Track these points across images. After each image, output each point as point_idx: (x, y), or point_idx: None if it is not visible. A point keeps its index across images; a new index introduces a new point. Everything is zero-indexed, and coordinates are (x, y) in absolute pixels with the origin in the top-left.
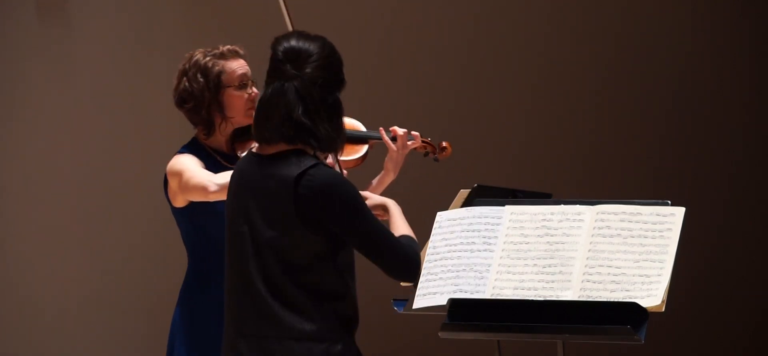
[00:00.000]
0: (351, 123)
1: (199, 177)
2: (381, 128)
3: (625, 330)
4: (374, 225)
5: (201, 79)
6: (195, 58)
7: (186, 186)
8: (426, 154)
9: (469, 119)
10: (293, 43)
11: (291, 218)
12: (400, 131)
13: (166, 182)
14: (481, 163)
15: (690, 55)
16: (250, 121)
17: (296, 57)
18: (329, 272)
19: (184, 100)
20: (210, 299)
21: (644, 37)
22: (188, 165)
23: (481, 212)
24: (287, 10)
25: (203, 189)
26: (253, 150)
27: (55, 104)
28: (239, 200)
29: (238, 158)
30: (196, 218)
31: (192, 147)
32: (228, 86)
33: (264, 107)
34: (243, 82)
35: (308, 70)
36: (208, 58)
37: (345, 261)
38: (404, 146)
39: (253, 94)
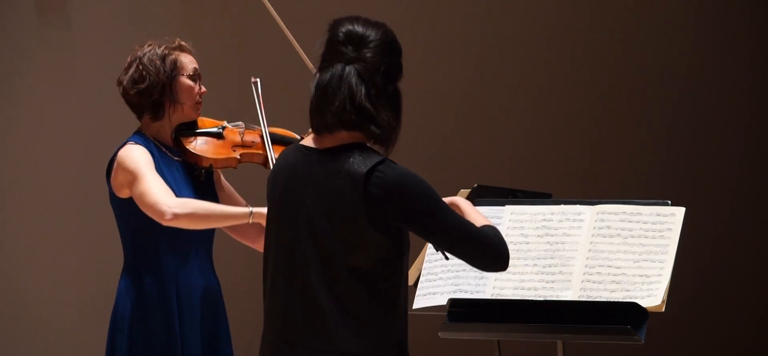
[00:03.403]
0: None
1: (157, 196)
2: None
3: (625, 330)
4: (455, 219)
5: (157, 62)
6: (149, 46)
7: (139, 196)
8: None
9: (470, 119)
10: (355, 27)
11: (360, 218)
12: None
13: (110, 167)
14: (481, 163)
15: (691, 55)
16: (197, 115)
17: (358, 40)
18: (391, 279)
19: (135, 81)
20: (154, 291)
21: (645, 37)
22: (145, 171)
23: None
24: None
25: (159, 214)
26: (303, 143)
27: (55, 104)
28: (292, 198)
29: (181, 153)
30: (142, 212)
31: (142, 138)
32: (181, 75)
33: (323, 91)
34: (194, 75)
35: (369, 55)
36: (163, 47)
37: (404, 269)
38: None
39: (202, 91)
